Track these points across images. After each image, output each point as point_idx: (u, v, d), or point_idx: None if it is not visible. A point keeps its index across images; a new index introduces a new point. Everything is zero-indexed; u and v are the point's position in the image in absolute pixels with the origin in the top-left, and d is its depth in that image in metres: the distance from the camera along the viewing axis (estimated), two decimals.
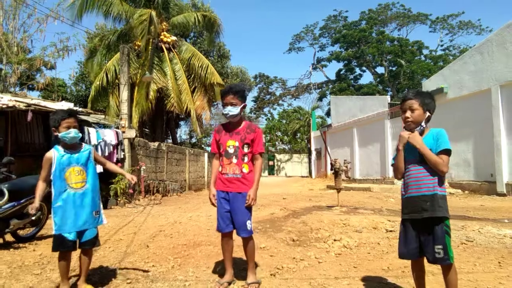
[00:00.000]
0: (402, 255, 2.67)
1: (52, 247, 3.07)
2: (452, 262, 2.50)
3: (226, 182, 3.27)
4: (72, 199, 3.07)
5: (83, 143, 3.31)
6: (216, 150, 3.42)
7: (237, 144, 3.26)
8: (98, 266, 3.92)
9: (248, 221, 3.20)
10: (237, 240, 3.36)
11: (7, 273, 3.71)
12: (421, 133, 2.59)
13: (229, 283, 3.25)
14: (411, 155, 2.61)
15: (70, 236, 3.03)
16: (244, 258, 3.41)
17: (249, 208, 3.24)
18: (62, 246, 3.03)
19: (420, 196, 2.53)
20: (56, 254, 3.10)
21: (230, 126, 3.37)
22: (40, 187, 3.13)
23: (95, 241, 3.18)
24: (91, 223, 3.14)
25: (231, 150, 3.27)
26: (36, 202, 3.12)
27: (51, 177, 3.08)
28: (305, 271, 3.73)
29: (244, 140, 3.27)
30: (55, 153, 3.09)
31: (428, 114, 2.59)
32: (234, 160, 3.25)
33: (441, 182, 2.53)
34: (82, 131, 9.40)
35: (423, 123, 2.58)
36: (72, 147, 3.16)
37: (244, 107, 3.34)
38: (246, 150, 3.28)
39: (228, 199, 3.25)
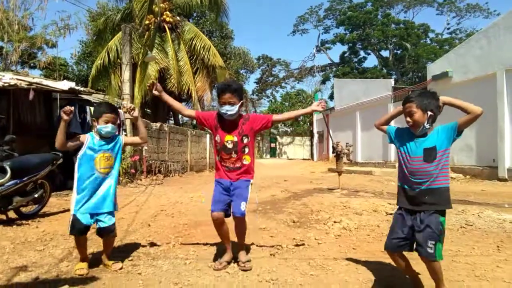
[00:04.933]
0: (387, 245, 2.64)
1: (69, 230, 3.10)
2: (438, 260, 2.43)
3: (228, 173, 3.32)
4: (95, 182, 3.16)
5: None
6: (201, 120, 3.42)
7: (235, 139, 3.27)
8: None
9: (243, 202, 3.22)
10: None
11: (10, 249, 3.77)
12: (425, 134, 2.58)
13: (229, 263, 3.29)
14: (416, 152, 2.59)
15: (84, 219, 3.07)
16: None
17: (247, 192, 3.28)
18: (74, 228, 3.06)
19: (420, 191, 2.53)
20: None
21: (227, 121, 3.32)
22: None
23: (112, 229, 3.26)
24: (104, 207, 3.18)
25: (229, 146, 3.27)
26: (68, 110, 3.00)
27: (78, 160, 3.14)
28: (305, 251, 3.77)
29: (243, 133, 3.28)
30: (88, 138, 3.19)
31: (429, 113, 2.53)
32: (234, 155, 3.28)
33: (442, 176, 2.51)
34: (85, 111, 9.42)
35: (426, 124, 2.54)
36: (105, 136, 3.26)
37: (242, 105, 3.31)
38: (245, 141, 3.30)
39: (229, 187, 3.28)
